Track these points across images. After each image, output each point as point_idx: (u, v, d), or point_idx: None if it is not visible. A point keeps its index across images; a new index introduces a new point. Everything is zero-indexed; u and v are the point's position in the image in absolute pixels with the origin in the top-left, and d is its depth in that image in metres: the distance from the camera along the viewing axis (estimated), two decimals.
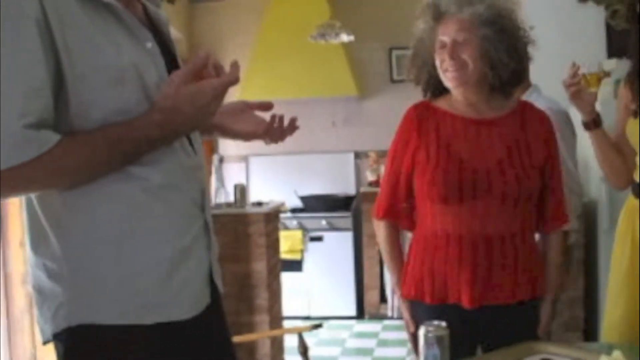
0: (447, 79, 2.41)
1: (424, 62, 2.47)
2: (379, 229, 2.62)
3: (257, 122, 2.15)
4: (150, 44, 1.73)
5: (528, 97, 3.56)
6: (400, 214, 2.57)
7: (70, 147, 1.56)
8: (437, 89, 2.50)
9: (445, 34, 2.37)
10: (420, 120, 2.48)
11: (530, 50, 2.47)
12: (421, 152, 2.45)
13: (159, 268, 1.69)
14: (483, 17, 2.34)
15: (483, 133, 2.43)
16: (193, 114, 1.62)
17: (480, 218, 2.36)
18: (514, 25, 2.40)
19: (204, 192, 1.84)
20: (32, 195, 1.67)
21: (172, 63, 1.80)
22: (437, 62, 2.41)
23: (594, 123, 2.76)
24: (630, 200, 2.72)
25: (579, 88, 2.69)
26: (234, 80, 1.68)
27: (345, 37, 6.78)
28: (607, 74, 2.75)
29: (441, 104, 2.50)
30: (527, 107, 2.53)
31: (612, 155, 2.79)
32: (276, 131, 2.14)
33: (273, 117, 2.12)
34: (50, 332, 1.68)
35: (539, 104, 3.39)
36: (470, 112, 2.45)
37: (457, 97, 2.47)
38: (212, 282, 1.86)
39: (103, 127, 1.59)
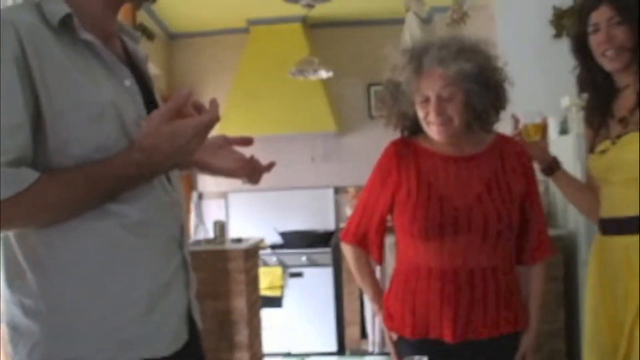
0: (432, 132, 2.41)
1: (405, 111, 2.47)
2: (347, 251, 2.65)
3: (235, 158, 2.15)
4: (128, 82, 1.73)
5: None
6: (370, 244, 2.58)
7: (48, 185, 1.56)
8: (414, 127, 2.52)
9: (429, 89, 2.36)
10: (400, 156, 2.49)
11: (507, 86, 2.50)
12: (402, 189, 2.46)
13: (137, 304, 1.68)
14: (468, 73, 2.34)
15: (463, 169, 2.44)
16: (172, 153, 1.61)
17: (461, 253, 2.37)
18: (497, 77, 2.42)
19: (182, 229, 1.83)
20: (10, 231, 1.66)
21: (150, 100, 1.81)
22: (420, 115, 2.41)
23: (550, 169, 2.81)
24: (597, 236, 2.71)
25: (522, 139, 2.76)
26: (214, 119, 1.67)
27: (324, 73, 6.82)
28: (545, 123, 2.88)
29: (421, 140, 2.52)
30: (504, 140, 2.55)
31: (579, 193, 2.81)
32: (254, 171, 2.14)
33: (252, 157, 2.12)
34: None
35: None
36: (450, 149, 2.47)
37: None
38: (190, 319, 1.85)
39: (82, 164, 1.59)
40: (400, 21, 5.79)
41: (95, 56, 1.67)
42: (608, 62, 2.56)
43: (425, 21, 6.81)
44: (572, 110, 4.71)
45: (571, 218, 4.61)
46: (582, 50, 2.67)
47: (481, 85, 2.36)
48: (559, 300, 4.51)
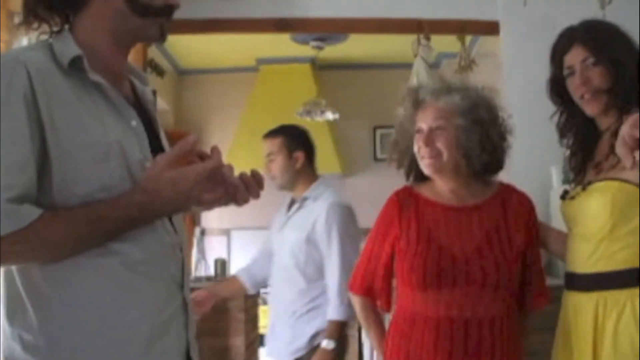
0: (423, 166, 2.46)
1: (407, 148, 2.51)
2: (355, 302, 2.65)
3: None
4: (135, 122, 1.77)
5: (314, 189, 3.63)
6: (378, 293, 2.58)
7: (51, 222, 1.57)
8: (420, 173, 2.54)
9: (423, 121, 2.44)
10: (402, 206, 2.52)
11: (510, 138, 2.51)
12: (402, 239, 2.48)
13: (137, 342, 1.68)
14: (459, 107, 2.40)
15: (463, 220, 2.46)
16: (174, 199, 1.64)
17: (458, 303, 2.36)
18: (490, 115, 2.45)
19: (183, 271, 1.84)
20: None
21: (155, 142, 1.85)
22: (415, 149, 2.46)
23: None
24: (565, 291, 2.54)
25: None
26: (217, 166, 1.71)
27: (330, 115, 6.87)
28: None
29: (423, 190, 2.54)
30: (508, 190, 2.56)
31: (557, 244, 2.65)
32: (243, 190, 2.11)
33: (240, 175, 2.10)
34: None
35: (325, 197, 3.49)
36: (452, 199, 2.49)
37: (438, 183, 2.51)
38: (189, 359, 1.85)
39: (85, 203, 1.61)
40: (407, 65, 5.81)
41: (103, 97, 1.71)
42: (586, 106, 2.44)
43: (433, 66, 6.86)
44: None
45: (562, 268, 4.59)
46: (560, 94, 2.57)
47: (471, 122, 2.39)
48: None
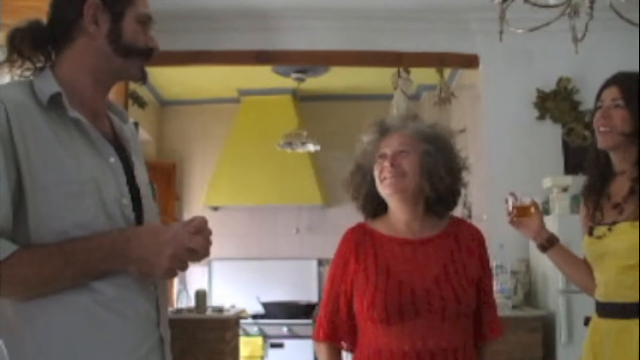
0: (384, 186, 2.44)
1: (364, 176, 2.52)
2: (320, 352, 2.61)
3: None
4: (113, 159, 1.78)
5: None
6: (341, 335, 2.56)
7: (26, 258, 1.58)
8: (375, 205, 2.55)
9: (388, 146, 2.45)
10: (358, 243, 2.51)
11: (465, 175, 2.56)
12: (360, 275, 2.46)
13: None
14: (425, 134, 2.46)
15: (419, 252, 2.47)
16: (147, 253, 1.67)
17: (421, 335, 2.36)
18: (451, 147, 2.52)
19: (159, 309, 1.82)
20: None
21: (131, 180, 1.84)
22: (376, 173, 2.47)
23: (547, 244, 2.82)
24: (594, 318, 2.70)
25: (516, 221, 2.83)
26: (205, 254, 1.74)
27: (311, 146, 6.90)
28: (534, 204, 2.86)
29: (378, 225, 2.55)
30: (459, 223, 2.59)
31: (576, 269, 2.82)
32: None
33: None
34: None
35: None
36: (407, 233, 2.50)
37: (392, 215, 2.53)
38: None
39: (60, 242, 1.62)
40: (388, 97, 5.89)
41: (81, 134, 1.72)
42: (600, 137, 2.61)
43: (413, 98, 6.93)
44: (553, 191, 4.78)
45: (551, 299, 4.63)
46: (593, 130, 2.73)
47: (436, 149, 2.45)
48: None
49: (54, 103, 1.68)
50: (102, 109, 1.87)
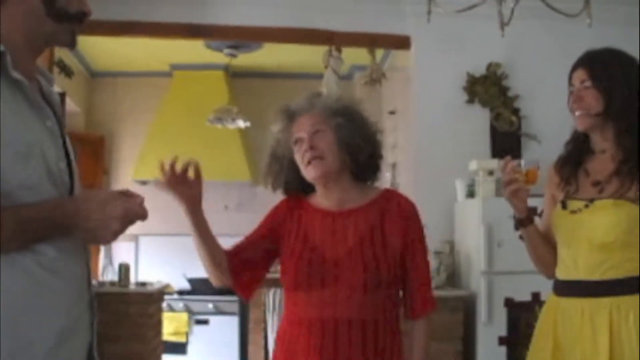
0: (309, 171, 2.45)
1: (281, 164, 2.53)
2: None
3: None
4: (50, 123, 1.76)
5: None
6: (235, 261, 2.58)
7: None
8: (299, 189, 2.57)
9: (301, 130, 2.45)
10: (291, 209, 2.56)
11: (380, 137, 2.57)
12: (284, 241, 2.53)
13: (49, 340, 1.68)
14: (333, 109, 2.47)
15: (339, 224, 2.49)
16: (96, 219, 1.66)
17: (329, 305, 2.39)
18: (362, 115, 2.53)
19: (89, 268, 1.86)
20: None
21: (64, 145, 1.83)
22: (298, 159, 2.47)
23: (528, 219, 2.73)
24: (551, 297, 2.71)
25: (519, 186, 2.64)
26: (144, 216, 1.74)
27: (241, 123, 6.87)
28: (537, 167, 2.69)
29: (310, 198, 2.58)
30: (390, 195, 2.59)
31: (543, 248, 2.77)
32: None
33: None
34: None
35: None
36: (332, 205, 2.52)
37: (320, 191, 2.54)
38: (91, 358, 1.86)
39: (13, 207, 1.61)
40: (320, 76, 5.88)
41: (23, 96, 1.70)
42: (577, 121, 2.64)
43: (345, 78, 6.94)
44: (479, 174, 4.85)
45: (473, 280, 4.71)
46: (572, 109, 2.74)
47: (348, 120, 2.46)
48: (458, 359, 4.60)
49: None
50: (33, 72, 1.83)
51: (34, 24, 1.76)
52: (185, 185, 2.45)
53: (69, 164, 1.82)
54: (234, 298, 7.14)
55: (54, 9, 1.76)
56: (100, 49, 7.10)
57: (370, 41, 5.55)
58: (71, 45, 1.87)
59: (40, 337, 1.67)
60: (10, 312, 1.62)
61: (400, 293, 2.53)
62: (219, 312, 7.17)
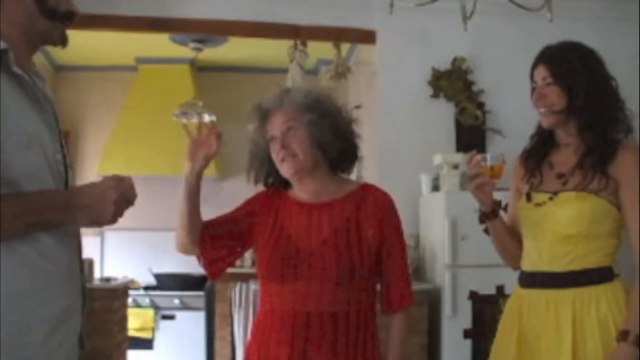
0: (283, 169, 2.49)
1: (262, 161, 2.55)
2: None
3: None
4: (47, 116, 1.89)
5: None
6: (206, 236, 2.60)
7: None
8: (281, 183, 2.59)
9: (274, 128, 2.48)
10: (268, 200, 2.59)
11: (356, 128, 2.59)
12: (258, 231, 2.55)
13: (45, 324, 1.78)
14: (304, 104, 2.48)
15: (314, 216, 2.51)
16: (93, 203, 1.78)
17: (301, 297, 2.41)
18: (334, 108, 2.55)
19: (81, 256, 1.98)
20: None
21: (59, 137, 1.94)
22: (274, 157, 2.50)
23: (493, 213, 2.74)
24: (517, 288, 2.74)
25: (484, 180, 2.64)
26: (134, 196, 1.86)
27: (207, 117, 6.83)
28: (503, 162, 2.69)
29: (289, 191, 2.60)
30: (367, 188, 2.60)
31: (509, 241, 2.79)
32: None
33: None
34: None
35: None
36: (308, 198, 2.55)
37: (296, 185, 2.56)
38: (81, 342, 1.98)
39: (14, 193, 1.71)
40: (286, 70, 5.88)
41: (22, 90, 1.82)
42: (542, 118, 2.68)
43: (311, 73, 6.94)
44: (443, 168, 4.88)
45: (438, 273, 4.74)
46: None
47: (319, 116, 2.48)
48: (423, 352, 4.62)
49: None
50: (28, 69, 1.94)
51: (29, 21, 1.89)
52: (205, 146, 2.52)
53: (64, 156, 1.92)
54: (201, 293, 7.13)
55: (45, 7, 1.89)
56: None
57: (336, 35, 5.55)
58: (63, 43, 2.00)
59: (39, 321, 1.77)
60: (10, 297, 1.71)
61: (379, 287, 2.55)
62: (185, 307, 7.15)
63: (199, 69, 7.84)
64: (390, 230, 2.52)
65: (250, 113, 2.57)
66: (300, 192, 2.55)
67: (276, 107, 2.50)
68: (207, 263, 2.63)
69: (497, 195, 2.69)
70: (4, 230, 1.68)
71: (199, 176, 2.50)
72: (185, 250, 2.63)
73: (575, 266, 2.56)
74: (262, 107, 2.53)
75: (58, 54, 7.55)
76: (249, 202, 2.63)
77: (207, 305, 7.11)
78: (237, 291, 6.26)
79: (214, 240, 2.59)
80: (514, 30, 5.34)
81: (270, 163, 2.53)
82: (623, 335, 2.44)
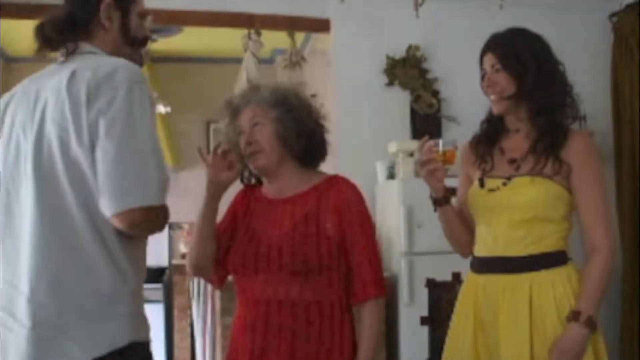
0: (250, 163, 2.59)
1: (239, 157, 2.60)
2: None
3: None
4: None
5: None
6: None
7: None
8: (256, 178, 2.71)
9: (242, 124, 2.57)
10: (243, 199, 2.71)
11: (325, 123, 2.67)
12: (239, 228, 2.64)
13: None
14: (270, 101, 2.55)
15: (278, 210, 2.57)
16: None
17: (261, 286, 2.48)
18: (301, 103, 2.59)
19: None
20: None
21: None
22: (242, 151, 2.57)
23: (444, 199, 2.74)
24: (470, 274, 2.76)
25: (436, 166, 2.63)
26: None
27: (162, 108, 6.80)
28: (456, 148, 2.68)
29: (262, 187, 2.69)
30: (332, 181, 2.61)
31: (460, 228, 2.82)
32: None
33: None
34: None
35: None
36: (274, 193, 2.62)
37: (265, 180, 2.66)
38: None
39: None
40: (240, 60, 5.84)
41: None
42: (493, 105, 2.71)
43: (267, 62, 6.90)
44: (399, 156, 4.89)
45: (394, 261, 4.75)
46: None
47: (285, 112, 2.53)
48: (381, 340, 4.63)
49: None
50: None
51: (115, 51, 2.26)
52: (225, 168, 2.55)
53: None
54: (159, 285, 7.08)
55: (128, 37, 2.30)
56: (17, 33, 6.89)
57: (290, 24, 5.52)
58: (140, 64, 2.29)
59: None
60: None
61: None
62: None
63: (154, 59, 7.75)
64: (352, 222, 2.53)
65: (222, 109, 2.65)
66: (268, 187, 2.64)
67: (244, 104, 2.58)
68: (219, 277, 2.70)
69: (449, 182, 2.70)
70: None
71: (216, 198, 2.56)
72: (200, 265, 2.66)
73: (532, 250, 2.59)
74: (232, 104, 2.61)
75: (9, 45, 7.42)
76: (231, 207, 2.72)
77: (165, 298, 7.07)
78: (195, 283, 6.22)
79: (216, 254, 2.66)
80: (467, 17, 5.35)
81: (244, 158, 2.59)
82: (575, 315, 2.48)
